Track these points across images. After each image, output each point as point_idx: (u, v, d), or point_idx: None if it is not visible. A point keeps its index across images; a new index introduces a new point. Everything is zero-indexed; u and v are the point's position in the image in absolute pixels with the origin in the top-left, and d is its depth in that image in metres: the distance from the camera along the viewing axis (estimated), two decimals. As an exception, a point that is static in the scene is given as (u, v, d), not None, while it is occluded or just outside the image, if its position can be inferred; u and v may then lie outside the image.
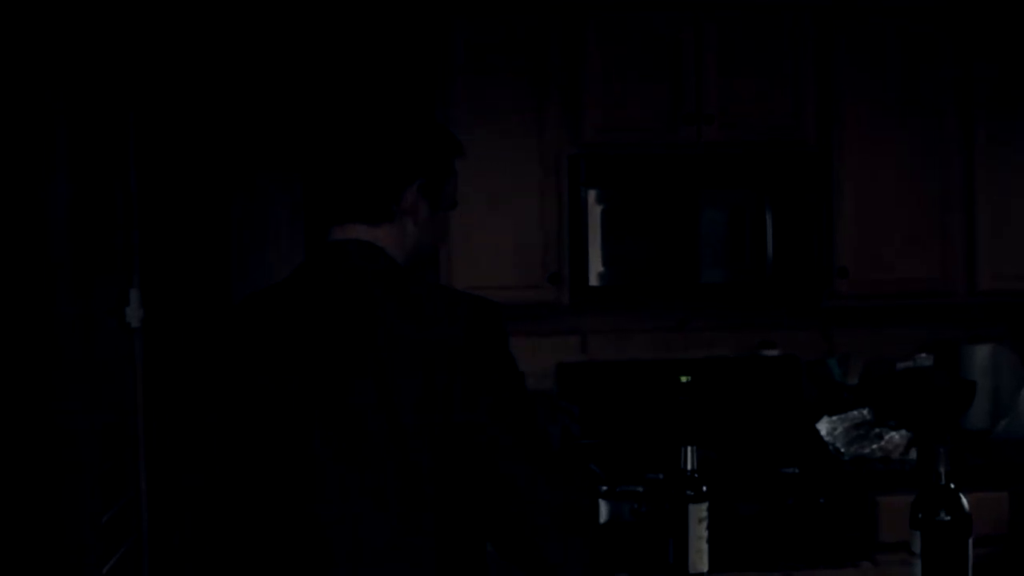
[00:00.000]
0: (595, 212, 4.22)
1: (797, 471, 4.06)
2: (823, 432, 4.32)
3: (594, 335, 4.66)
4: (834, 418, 4.36)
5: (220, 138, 4.88)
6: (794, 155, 4.35)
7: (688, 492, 2.80)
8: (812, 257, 4.33)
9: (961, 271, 4.49)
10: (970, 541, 2.46)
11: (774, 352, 4.69)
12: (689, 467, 2.74)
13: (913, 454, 4.21)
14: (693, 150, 4.32)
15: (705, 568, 2.83)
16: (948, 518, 2.44)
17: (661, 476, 3.99)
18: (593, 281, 4.24)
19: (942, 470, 2.46)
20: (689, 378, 4.59)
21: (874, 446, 4.23)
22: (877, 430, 4.29)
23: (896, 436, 4.23)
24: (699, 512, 2.83)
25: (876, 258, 4.43)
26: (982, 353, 4.66)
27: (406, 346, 2.04)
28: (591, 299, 4.48)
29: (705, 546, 2.84)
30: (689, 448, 2.75)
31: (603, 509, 3.90)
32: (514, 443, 2.06)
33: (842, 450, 4.24)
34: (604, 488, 3.92)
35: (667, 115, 4.32)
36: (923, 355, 4.69)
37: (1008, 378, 4.63)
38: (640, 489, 3.94)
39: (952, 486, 2.46)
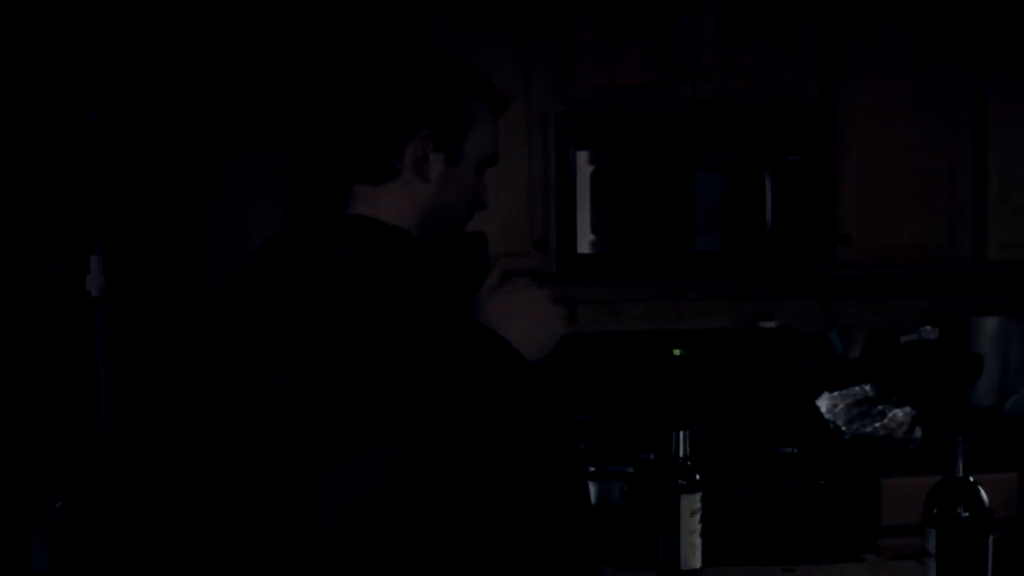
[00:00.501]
0: (584, 175, 4.00)
1: (795, 451, 3.87)
2: (823, 409, 4.13)
3: (583, 305, 4.46)
4: (835, 394, 4.16)
5: (196, 99, 4.66)
6: (796, 115, 4.13)
7: (680, 481, 2.58)
8: (813, 223, 4.11)
9: (969, 239, 4.28)
10: (990, 539, 2.23)
11: (772, 324, 4.50)
12: (681, 453, 2.50)
13: (918, 432, 4.02)
14: (689, 108, 4.09)
15: (698, 564, 2.61)
16: (966, 514, 2.22)
17: (652, 456, 3.79)
18: (582, 248, 4.03)
19: (960, 461, 2.24)
20: (682, 351, 4.38)
21: (877, 424, 4.03)
22: (880, 407, 4.09)
23: (900, 413, 4.04)
24: (691, 504, 2.60)
25: (881, 224, 4.21)
26: (990, 325, 4.45)
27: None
28: (580, 267, 4.28)
29: (698, 540, 2.61)
30: (681, 433, 2.51)
31: (592, 491, 3.70)
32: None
33: (843, 428, 4.05)
34: (592, 468, 3.71)
35: (662, 71, 4.09)
36: (928, 327, 4.50)
37: (1017, 352, 4.43)
38: (631, 470, 3.75)
39: (971, 479, 2.23)
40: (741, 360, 4.43)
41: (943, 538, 2.21)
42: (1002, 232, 4.26)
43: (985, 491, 2.32)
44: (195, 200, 4.83)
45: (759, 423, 4.23)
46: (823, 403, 4.14)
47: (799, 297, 4.56)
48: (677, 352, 4.37)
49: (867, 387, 4.17)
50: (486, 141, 1.96)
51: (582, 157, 4.00)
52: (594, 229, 4.02)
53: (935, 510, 2.24)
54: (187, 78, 4.64)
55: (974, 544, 2.22)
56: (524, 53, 4.06)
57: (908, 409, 4.05)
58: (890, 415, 4.04)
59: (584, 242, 4.03)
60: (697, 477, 2.47)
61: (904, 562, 2.92)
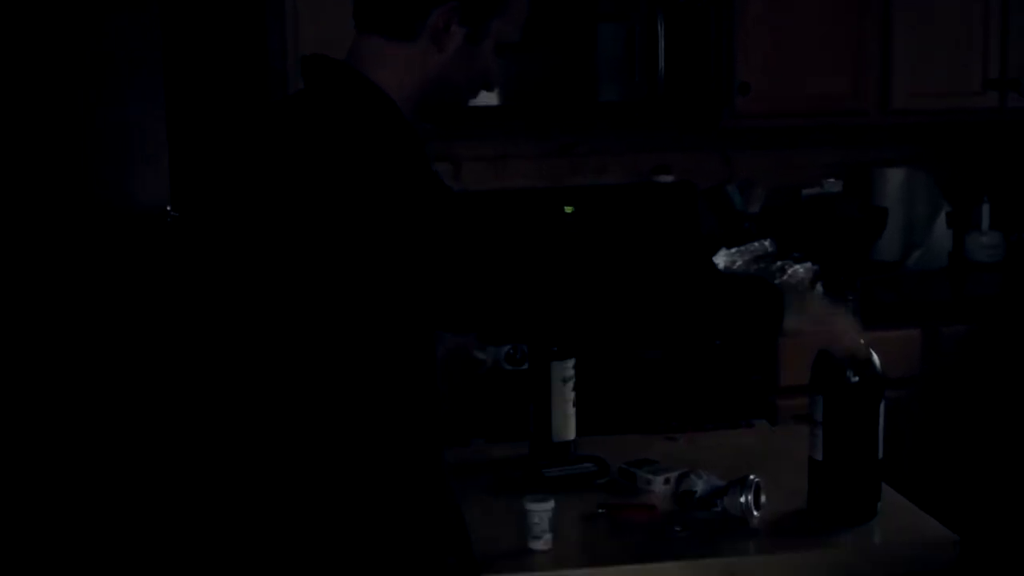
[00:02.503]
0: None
1: (691, 311, 3.67)
2: (721, 266, 3.95)
3: (469, 162, 4.21)
4: (733, 250, 4.00)
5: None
6: (690, -45, 3.85)
7: (552, 348, 2.37)
8: (710, 71, 3.86)
9: (874, 87, 4.07)
10: (882, 406, 2.05)
11: (668, 178, 4.28)
12: None
13: (819, 289, 3.85)
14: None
15: (571, 435, 2.42)
16: (856, 379, 2.03)
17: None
18: (463, 100, 3.75)
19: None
20: (574, 208, 4.16)
21: (777, 281, 3.86)
22: (780, 263, 3.94)
23: (801, 269, 3.88)
24: (563, 371, 2.40)
25: (781, 73, 3.98)
26: (895, 178, 4.29)
27: None
28: (463, 120, 4.00)
29: (572, 410, 2.42)
30: None
31: (480, 355, 3.51)
32: None
33: (742, 286, 3.86)
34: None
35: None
36: (831, 180, 4.33)
37: (923, 205, 4.27)
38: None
39: (862, 340, 2.04)
40: (637, 216, 4.22)
41: (831, 405, 2.03)
42: (908, 79, 4.06)
43: (888, 349, 2.14)
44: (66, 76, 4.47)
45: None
46: (721, 260, 3.96)
47: (697, 150, 4.34)
48: (568, 210, 4.16)
49: (767, 243, 4.01)
50: (513, 26, 1.87)
51: None
52: (481, 80, 3.75)
53: (823, 375, 2.05)
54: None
55: (864, 411, 2.03)
56: None
57: (809, 265, 3.90)
58: (790, 271, 3.88)
59: (467, 94, 3.76)
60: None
61: (793, 427, 2.77)
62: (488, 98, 3.76)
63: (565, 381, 2.38)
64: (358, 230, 1.64)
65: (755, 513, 2.04)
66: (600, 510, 2.11)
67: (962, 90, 4.11)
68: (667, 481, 2.21)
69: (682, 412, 3.39)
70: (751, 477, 2.05)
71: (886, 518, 2.07)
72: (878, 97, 4.07)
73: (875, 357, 2.04)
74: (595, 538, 2.02)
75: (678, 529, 2.03)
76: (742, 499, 2.03)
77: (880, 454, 2.05)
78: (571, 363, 2.40)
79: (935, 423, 3.78)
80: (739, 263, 3.96)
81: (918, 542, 2.02)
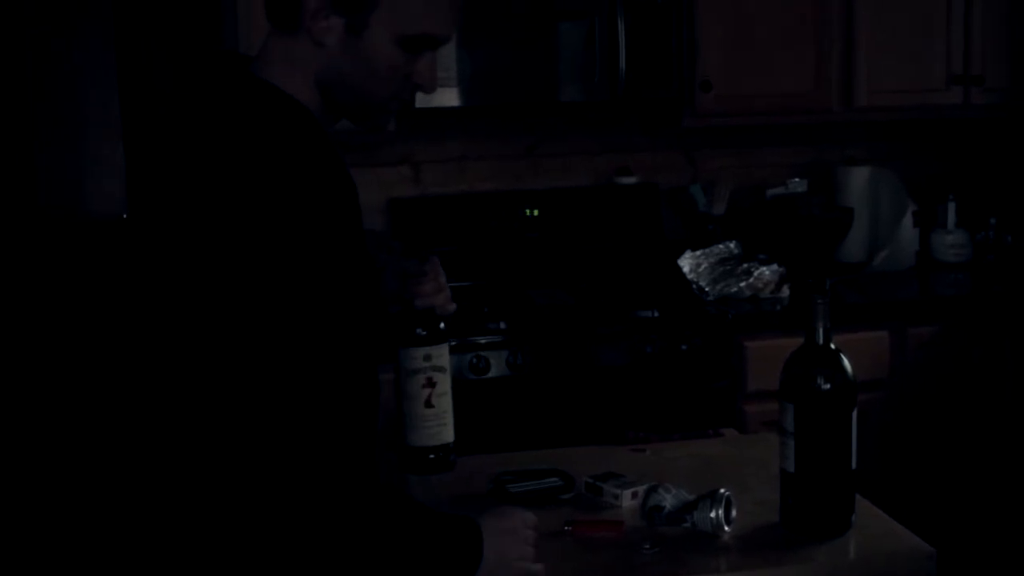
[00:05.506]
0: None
1: (656, 314, 3.61)
2: (685, 269, 3.88)
3: (428, 165, 4.12)
4: (698, 252, 3.92)
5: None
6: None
7: (419, 331, 1.90)
8: (671, 69, 3.79)
9: (837, 84, 4.01)
10: (854, 414, 1.98)
11: (631, 180, 4.21)
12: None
13: (786, 292, 3.80)
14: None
15: (433, 441, 1.94)
16: (827, 386, 1.96)
17: (504, 325, 3.51)
18: (421, 102, 3.66)
19: (820, 326, 1.97)
20: (536, 211, 4.08)
21: (742, 284, 3.80)
22: (746, 265, 3.87)
23: (767, 272, 3.81)
24: (413, 360, 1.90)
25: (744, 70, 3.92)
26: (860, 177, 4.23)
27: None
28: (422, 122, 3.94)
29: (436, 409, 1.93)
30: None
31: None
32: None
33: (706, 289, 3.81)
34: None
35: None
36: (796, 180, 4.26)
37: (888, 204, 4.21)
38: (483, 340, 3.48)
39: (833, 346, 1.97)
40: (599, 219, 4.15)
41: (802, 414, 1.96)
42: (871, 76, 4.01)
43: (855, 351, 2.07)
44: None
45: (619, 286, 3.96)
46: (685, 262, 3.89)
47: (659, 150, 4.28)
48: (531, 212, 4.08)
49: (732, 244, 3.94)
50: (412, 17, 1.65)
51: None
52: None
53: (792, 382, 1.98)
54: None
55: (836, 419, 1.96)
56: None
57: (775, 267, 3.83)
58: (756, 274, 3.81)
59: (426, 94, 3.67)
60: (442, 326, 1.93)
61: (763, 435, 2.71)
62: (448, 99, 3.72)
63: (415, 373, 1.90)
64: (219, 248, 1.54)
65: (726, 528, 1.96)
66: (567, 527, 2.03)
67: (926, 86, 4.05)
68: (635, 495, 2.13)
69: (646, 420, 3.31)
70: (721, 491, 1.97)
71: (861, 531, 2.00)
72: (841, 94, 4.01)
73: (846, 362, 1.98)
74: (562, 557, 1.94)
75: (647, 547, 1.95)
76: (712, 514, 1.95)
77: (854, 464, 1.98)
78: (430, 351, 1.91)
79: (904, 427, 3.72)
80: (704, 266, 3.88)
81: (894, 555, 1.94)
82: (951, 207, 4.27)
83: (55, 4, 4.34)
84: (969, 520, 3.70)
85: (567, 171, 4.22)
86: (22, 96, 4.23)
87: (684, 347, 3.55)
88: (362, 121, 1.75)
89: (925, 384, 3.73)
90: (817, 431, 1.95)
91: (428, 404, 1.92)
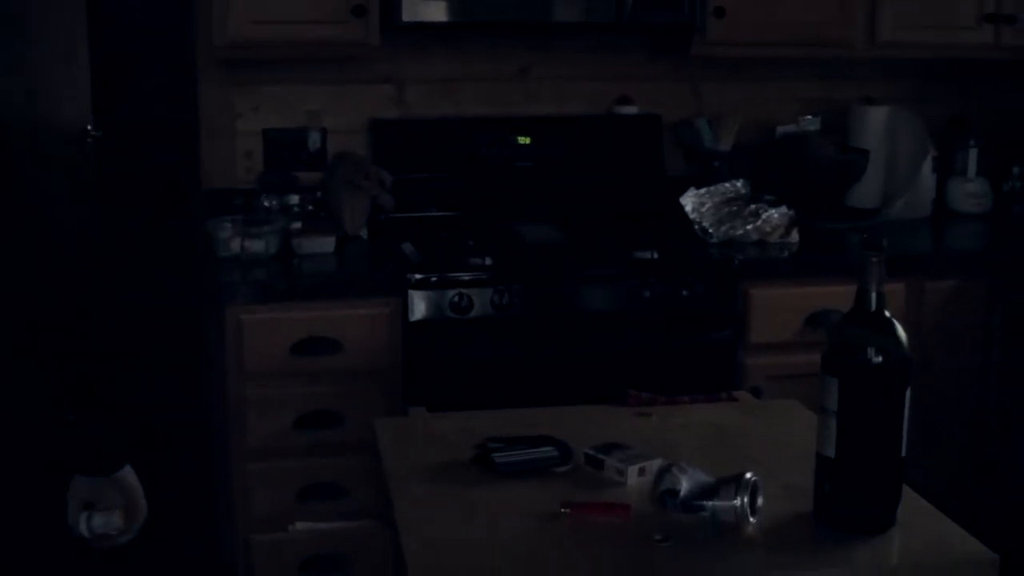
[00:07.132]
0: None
1: (655, 256, 3.34)
2: (688, 208, 3.62)
3: (414, 85, 3.82)
4: (702, 191, 3.65)
5: None
6: None
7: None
8: (681, -8, 3.51)
9: (861, 15, 3.73)
10: (907, 393, 1.69)
11: (632, 110, 3.94)
12: None
13: (795, 236, 3.55)
14: None
15: None
16: (880, 360, 1.67)
17: (489, 261, 3.24)
18: (409, 16, 3.37)
19: (873, 289, 1.68)
20: (529, 139, 3.83)
21: (749, 226, 3.56)
22: (753, 206, 3.61)
23: (776, 214, 3.56)
24: None
25: (761, -6, 3.64)
26: (878, 117, 3.97)
27: None
28: (407, 38, 3.64)
29: None
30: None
31: (418, 304, 3.14)
32: None
33: (710, 231, 3.56)
34: (418, 277, 3.15)
35: None
36: (809, 117, 4.02)
37: (907, 148, 3.94)
38: (466, 276, 3.21)
39: (887, 313, 1.68)
40: (596, 150, 3.89)
41: (848, 390, 1.66)
42: (897, 10, 3.73)
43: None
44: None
45: (615, 224, 3.71)
46: (688, 201, 3.63)
47: (663, 80, 4.00)
48: (523, 140, 3.82)
49: (739, 183, 3.69)
50: None
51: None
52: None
53: (838, 353, 1.69)
54: None
55: (887, 398, 1.67)
56: None
57: (784, 209, 3.57)
58: (764, 216, 3.56)
59: (412, 8, 3.37)
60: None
61: (782, 402, 2.42)
62: (435, 13, 3.42)
63: None
64: None
65: (751, 519, 1.68)
66: (563, 509, 1.74)
67: (954, 23, 3.80)
68: (642, 472, 1.85)
69: (643, 371, 3.03)
70: (747, 475, 1.69)
71: (907, 529, 1.71)
72: (865, 27, 3.74)
73: (901, 332, 1.69)
74: (555, 547, 1.65)
75: (658, 538, 1.67)
76: (736, 502, 1.67)
77: (903, 451, 1.70)
78: None
79: (931, 397, 3.43)
80: (708, 205, 3.62)
81: (948, 560, 1.66)
82: (972, 153, 4.02)
83: None
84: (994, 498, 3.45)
85: (563, 98, 3.94)
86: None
87: (685, 293, 3.29)
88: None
89: (947, 341, 3.48)
90: (865, 411, 1.66)
91: None
